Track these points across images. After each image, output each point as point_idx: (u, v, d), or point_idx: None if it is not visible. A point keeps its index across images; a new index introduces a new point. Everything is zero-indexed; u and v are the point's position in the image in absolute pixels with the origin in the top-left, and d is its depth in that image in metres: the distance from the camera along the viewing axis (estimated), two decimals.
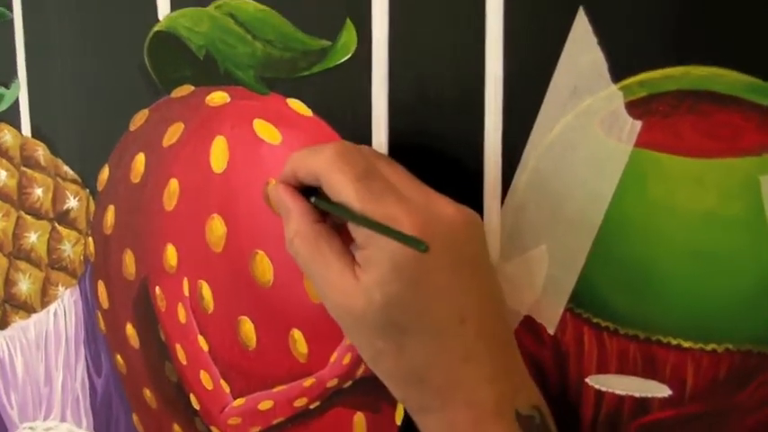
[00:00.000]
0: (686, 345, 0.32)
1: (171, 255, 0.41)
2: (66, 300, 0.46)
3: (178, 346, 0.41)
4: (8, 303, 0.47)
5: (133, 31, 0.41)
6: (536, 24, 0.32)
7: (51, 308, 0.46)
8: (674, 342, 0.32)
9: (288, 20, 0.37)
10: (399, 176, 0.31)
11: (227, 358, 0.40)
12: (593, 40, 0.32)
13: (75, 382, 0.46)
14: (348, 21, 0.36)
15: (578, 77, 0.32)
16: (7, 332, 0.47)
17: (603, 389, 0.34)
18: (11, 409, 0.48)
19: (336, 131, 0.37)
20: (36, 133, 0.45)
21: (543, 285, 0.34)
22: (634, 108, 0.32)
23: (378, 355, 0.31)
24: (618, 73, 0.31)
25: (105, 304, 0.44)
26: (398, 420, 0.37)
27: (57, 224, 0.45)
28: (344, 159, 0.30)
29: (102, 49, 0.43)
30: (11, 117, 0.46)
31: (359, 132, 0.36)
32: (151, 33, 0.41)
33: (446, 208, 0.30)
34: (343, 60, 0.36)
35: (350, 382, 0.38)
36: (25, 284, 0.46)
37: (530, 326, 0.34)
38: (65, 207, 0.45)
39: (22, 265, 0.46)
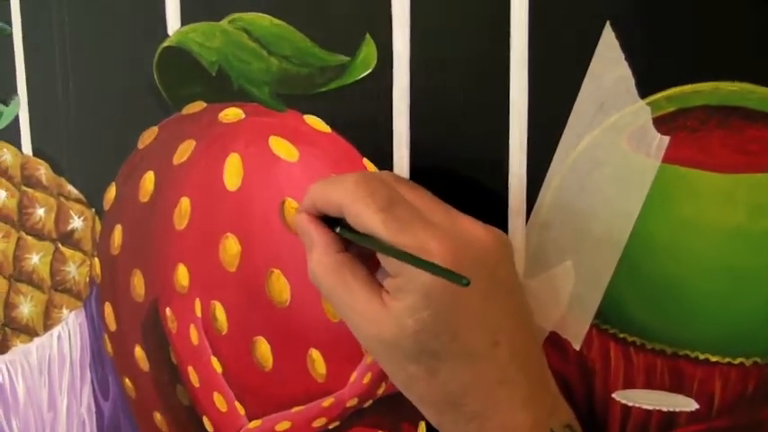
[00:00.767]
0: (714, 359, 0.32)
1: (182, 275, 0.40)
2: (71, 322, 0.44)
3: (190, 369, 0.40)
4: (8, 327, 0.46)
5: (141, 47, 0.40)
6: (562, 39, 0.32)
7: (55, 331, 0.44)
8: (702, 356, 0.32)
9: (305, 35, 0.36)
10: (423, 201, 0.31)
11: (242, 379, 0.40)
12: (621, 55, 0.31)
13: (81, 407, 0.44)
14: (368, 36, 0.35)
15: (605, 93, 0.32)
16: (8, 356, 0.46)
17: (630, 404, 0.33)
18: None
19: (356, 148, 0.36)
20: (37, 152, 0.44)
21: (569, 302, 0.34)
22: (662, 123, 0.31)
23: (411, 381, 0.30)
24: (645, 88, 0.31)
25: (112, 326, 0.43)
26: None
27: (60, 245, 0.44)
28: (366, 189, 0.30)
29: (108, 65, 0.41)
30: (10, 135, 0.44)
31: (380, 149, 0.36)
32: (160, 48, 0.39)
33: (475, 230, 0.30)
34: (362, 76, 0.36)
35: (370, 402, 0.37)
36: (27, 307, 0.45)
37: (555, 342, 0.34)
38: (69, 227, 0.43)
39: (23, 287, 0.45)
